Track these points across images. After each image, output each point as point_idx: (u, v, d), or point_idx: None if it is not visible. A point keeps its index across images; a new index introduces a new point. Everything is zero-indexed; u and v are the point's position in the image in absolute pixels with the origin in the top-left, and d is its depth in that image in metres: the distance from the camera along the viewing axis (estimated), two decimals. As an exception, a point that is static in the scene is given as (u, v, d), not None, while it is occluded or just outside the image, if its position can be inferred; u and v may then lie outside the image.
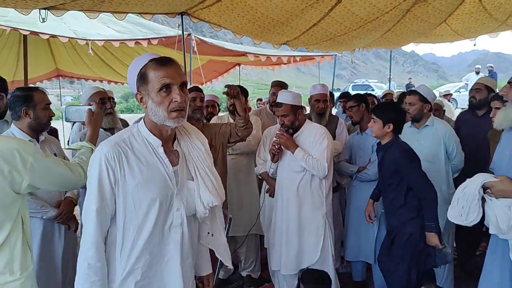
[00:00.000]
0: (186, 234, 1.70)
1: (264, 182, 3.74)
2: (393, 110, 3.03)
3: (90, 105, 2.36)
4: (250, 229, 3.68)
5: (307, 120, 3.33)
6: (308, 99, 4.04)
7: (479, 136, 3.59)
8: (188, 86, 3.50)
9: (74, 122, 3.68)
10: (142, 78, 1.61)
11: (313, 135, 3.17)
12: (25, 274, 1.81)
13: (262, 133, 3.74)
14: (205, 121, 3.91)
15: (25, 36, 5.83)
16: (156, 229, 1.63)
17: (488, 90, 3.87)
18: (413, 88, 3.79)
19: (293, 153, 3.13)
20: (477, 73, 14.24)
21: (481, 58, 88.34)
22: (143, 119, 1.71)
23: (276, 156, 3.23)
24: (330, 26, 4.65)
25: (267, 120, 4.31)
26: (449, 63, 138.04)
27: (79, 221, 2.73)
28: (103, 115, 2.60)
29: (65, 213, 2.58)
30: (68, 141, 4.59)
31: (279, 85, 4.36)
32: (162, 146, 1.66)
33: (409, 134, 3.43)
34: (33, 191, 2.08)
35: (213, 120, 4.00)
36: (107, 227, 1.62)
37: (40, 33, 5.02)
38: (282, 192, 3.25)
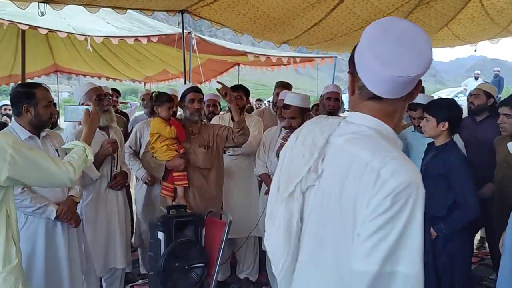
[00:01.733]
0: None
1: (264, 184, 3.66)
2: (447, 106, 2.69)
3: (88, 105, 2.37)
4: (250, 232, 3.59)
5: None
6: (320, 99, 4.01)
7: (480, 141, 3.55)
8: (187, 85, 3.46)
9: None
10: None
11: None
12: (8, 267, 1.79)
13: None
14: (205, 121, 3.88)
15: (23, 30, 5.77)
16: None
17: (487, 95, 3.83)
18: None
19: None
20: (476, 78, 14.17)
21: (479, 64, 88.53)
22: None
23: None
24: (332, 26, 4.62)
25: (270, 121, 4.27)
26: (447, 68, 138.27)
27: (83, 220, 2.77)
28: (99, 116, 2.57)
29: (65, 211, 2.54)
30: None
31: (283, 86, 4.32)
32: None
33: (413, 139, 3.32)
34: (17, 185, 2.05)
35: (214, 119, 3.94)
36: None
37: (38, 27, 4.96)
38: None
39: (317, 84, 13.79)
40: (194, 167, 3.15)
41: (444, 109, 2.66)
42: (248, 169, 3.82)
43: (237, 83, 4.51)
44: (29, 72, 8.13)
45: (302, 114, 3.10)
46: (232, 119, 3.07)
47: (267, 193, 3.48)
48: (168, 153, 3.09)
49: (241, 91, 3.91)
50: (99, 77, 9.53)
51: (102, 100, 3.09)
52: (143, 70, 9.00)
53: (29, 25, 4.85)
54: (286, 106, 3.13)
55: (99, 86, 3.34)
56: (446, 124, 2.62)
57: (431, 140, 2.81)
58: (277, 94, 4.19)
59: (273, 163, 3.34)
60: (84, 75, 9.34)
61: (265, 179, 3.50)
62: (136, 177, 3.86)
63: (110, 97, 4.00)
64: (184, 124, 3.23)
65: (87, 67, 8.80)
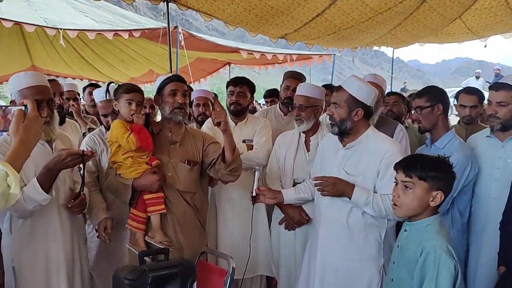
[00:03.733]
0: None
1: (276, 209, 2.80)
2: None
3: (24, 104, 1.50)
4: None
5: (371, 127, 2.29)
6: None
7: None
8: (165, 75, 2.69)
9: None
10: None
11: (380, 154, 2.14)
12: None
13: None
14: (193, 124, 3.25)
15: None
16: None
17: None
18: (501, 81, 2.53)
19: (350, 199, 2.15)
20: (477, 77, 13.89)
21: (465, 66, 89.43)
22: None
23: None
24: (336, 17, 4.13)
25: (276, 124, 3.36)
26: (433, 70, 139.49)
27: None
28: (42, 122, 1.58)
29: None
30: None
31: (294, 77, 3.43)
32: None
33: (488, 148, 2.51)
34: None
35: (206, 126, 3.03)
36: None
37: (2, 19, 4.35)
38: (319, 228, 2.33)
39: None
40: (173, 189, 2.34)
41: None
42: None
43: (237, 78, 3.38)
44: (4, 75, 7.59)
45: (352, 106, 2.19)
46: (224, 160, 2.27)
47: (281, 222, 2.72)
48: (135, 168, 2.26)
49: (244, 86, 3.02)
50: (81, 79, 9.01)
51: (41, 106, 2.06)
52: (128, 71, 8.48)
53: (-10, 16, 4.27)
54: (339, 88, 2.26)
55: (46, 85, 2.18)
56: None
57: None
58: (287, 88, 3.37)
59: (284, 179, 2.64)
60: (65, 77, 8.81)
61: (280, 203, 2.62)
62: None
63: (57, 103, 3.08)
64: (162, 128, 2.41)
65: (68, 69, 8.30)
